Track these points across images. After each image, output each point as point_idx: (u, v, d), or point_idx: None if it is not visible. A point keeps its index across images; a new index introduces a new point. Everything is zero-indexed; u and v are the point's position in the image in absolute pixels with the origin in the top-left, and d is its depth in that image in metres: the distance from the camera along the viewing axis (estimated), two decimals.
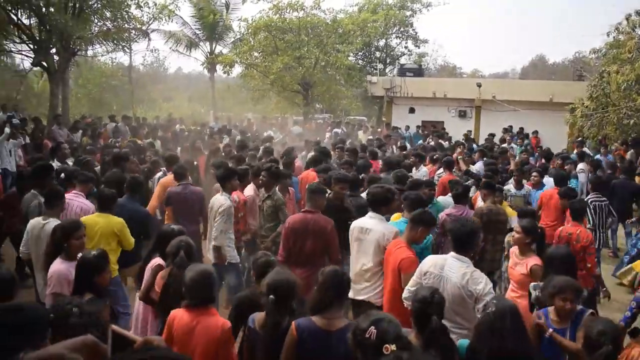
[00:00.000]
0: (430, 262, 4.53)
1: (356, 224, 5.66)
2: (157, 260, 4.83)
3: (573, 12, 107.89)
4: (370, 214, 5.65)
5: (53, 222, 5.46)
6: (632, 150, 15.52)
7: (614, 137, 17.61)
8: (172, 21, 25.56)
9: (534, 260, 5.17)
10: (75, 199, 6.44)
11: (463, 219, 5.35)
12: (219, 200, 6.72)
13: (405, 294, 4.53)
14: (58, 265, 4.65)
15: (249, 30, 23.86)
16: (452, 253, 4.51)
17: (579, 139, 17.28)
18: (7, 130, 11.20)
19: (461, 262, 4.40)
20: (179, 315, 3.74)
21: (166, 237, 4.79)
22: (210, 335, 3.61)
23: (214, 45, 30.48)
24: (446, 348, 3.61)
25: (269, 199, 7.28)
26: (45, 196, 5.98)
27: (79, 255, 4.48)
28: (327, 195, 6.33)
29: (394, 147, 15.30)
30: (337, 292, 3.68)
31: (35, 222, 5.77)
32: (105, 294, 4.34)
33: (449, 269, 4.37)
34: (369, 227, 5.49)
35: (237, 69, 26.25)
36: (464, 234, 4.50)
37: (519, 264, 5.31)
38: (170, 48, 29.51)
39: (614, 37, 18.12)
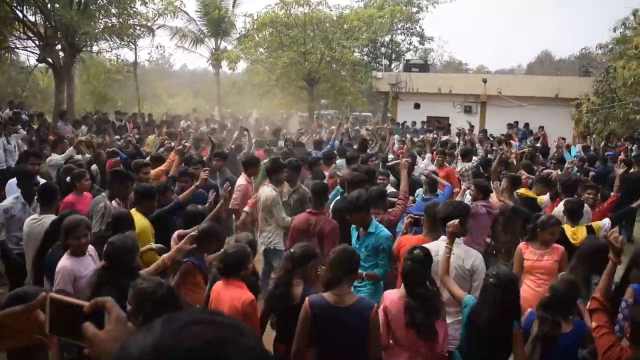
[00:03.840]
0: (431, 249, 4.58)
1: None
2: None
3: (579, 8, 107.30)
4: None
5: (48, 219, 5.27)
6: (635, 145, 15.43)
7: (619, 132, 17.56)
8: (177, 17, 25.76)
9: (560, 247, 5.42)
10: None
11: (449, 202, 5.48)
12: (266, 191, 7.01)
13: None
14: (64, 262, 4.47)
15: (255, 26, 23.90)
16: (442, 236, 4.70)
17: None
18: None
19: (454, 244, 4.50)
20: (218, 284, 4.20)
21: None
22: (233, 305, 3.92)
23: (219, 42, 30.52)
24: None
25: (295, 193, 7.42)
26: (39, 193, 5.87)
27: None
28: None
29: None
30: (347, 269, 3.88)
31: (29, 220, 5.62)
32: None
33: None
34: None
35: (242, 65, 26.28)
36: (451, 215, 4.62)
37: (546, 253, 5.40)
38: (175, 44, 29.60)
39: (620, 32, 18.06)
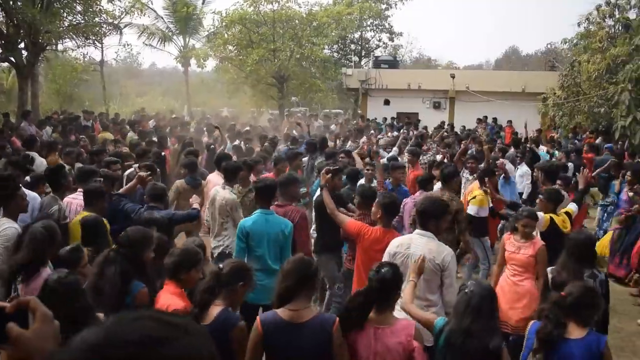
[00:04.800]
0: (397, 242, 4.65)
1: None
2: None
3: (546, 4, 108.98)
4: None
5: (6, 225, 4.72)
6: (600, 137, 15.76)
7: (585, 125, 17.89)
8: (144, 15, 25.29)
9: (539, 242, 5.46)
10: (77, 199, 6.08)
11: (427, 197, 5.45)
12: (224, 194, 6.67)
13: None
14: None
15: (223, 24, 23.71)
16: (416, 230, 4.66)
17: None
18: None
19: (426, 238, 4.53)
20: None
21: None
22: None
23: (187, 39, 30.20)
24: None
25: (251, 192, 7.14)
26: None
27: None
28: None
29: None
30: (303, 281, 3.43)
31: None
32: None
33: (415, 246, 4.50)
34: None
35: (212, 63, 26.06)
36: (427, 210, 4.61)
37: (523, 247, 5.48)
38: (143, 42, 29.18)
39: (584, 27, 18.36)
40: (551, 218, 5.99)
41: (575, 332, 3.56)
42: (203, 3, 29.50)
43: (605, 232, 9.51)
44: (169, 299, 3.67)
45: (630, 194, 8.65)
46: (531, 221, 5.56)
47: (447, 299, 4.35)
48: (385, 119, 23.38)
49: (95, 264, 3.95)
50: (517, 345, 4.34)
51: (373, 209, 5.24)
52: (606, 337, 3.70)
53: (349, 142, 13.09)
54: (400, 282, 3.62)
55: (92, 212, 5.41)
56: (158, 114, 22.56)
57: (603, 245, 8.85)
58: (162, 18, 29.17)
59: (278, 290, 3.46)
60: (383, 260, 4.55)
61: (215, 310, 3.44)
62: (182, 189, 7.81)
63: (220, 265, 3.61)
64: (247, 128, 16.77)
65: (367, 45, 34.64)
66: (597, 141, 15.72)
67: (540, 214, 6.15)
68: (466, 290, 3.54)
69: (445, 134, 16.02)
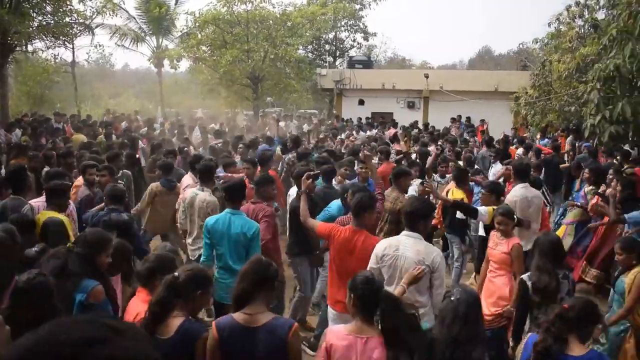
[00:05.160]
0: (384, 244, 4.59)
1: None
2: None
3: (517, 4, 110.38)
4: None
5: None
6: (571, 136, 16.00)
7: (556, 124, 18.15)
8: (116, 15, 25.02)
9: (515, 240, 5.49)
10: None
11: (415, 198, 5.47)
12: (203, 196, 6.68)
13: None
14: None
15: (197, 24, 23.56)
16: (404, 232, 4.61)
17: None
18: None
19: (414, 239, 4.50)
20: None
21: None
22: (130, 320, 3.53)
23: (160, 40, 29.92)
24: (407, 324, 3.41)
25: (217, 192, 7.26)
26: None
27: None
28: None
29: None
30: (260, 283, 3.36)
31: None
32: None
33: (404, 248, 4.45)
34: None
35: (185, 64, 25.85)
36: (414, 212, 4.59)
37: (500, 244, 5.55)
38: (115, 43, 28.83)
39: (555, 27, 18.63)
40: (494, 210, 6.02)
41: (576, 349, 3.33)
42: (176, 3, 29.28)
43: (559, 226, 9.69)
44: (140, 306, 3.52)
45: (587, 188, 8.82)
46: (505, 219, 5.61)
47: (436, 300, 4.30)
48: (360, 118, 23.46)
49: (42, 260, 3.90)
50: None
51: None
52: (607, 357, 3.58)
53: (328, 142, 13.16)
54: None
55: (54, 211, 5.46)
56: (129, 115, 22.35)
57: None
58: (134, 18, 28.89)
59: (235, 293, 3.40)
60: (370, 262, 4.55)
61: (176, 322, 3.28)
62: (158, 191, 7.77)
63: (176, 274, 3.38)
64: (218, 128, 16.76)
65: (341, 46, 34.72)
66: (568, 139, 15.99)
67: (483, 208, 6.27)
68: (452, 298, 3.44)
69: (416, 131, 16.26)
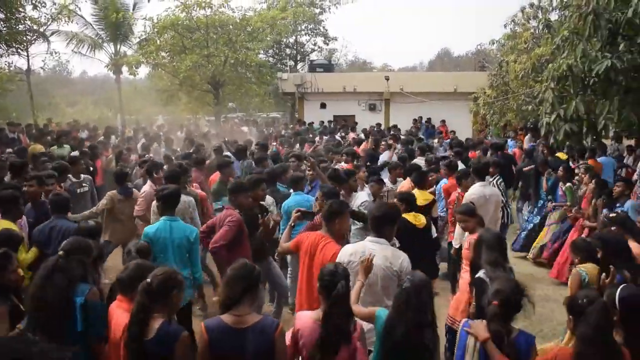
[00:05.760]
0: (350, 250, 4.58)
1: None
2: None
3: (475, 7, 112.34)
4: None
5: None
6: (529, 135, 16.36)
7: (514, 123, 18.52)
8: (72, 22, 24.55)
9: (474, 236, 5.46)
10: None
11: (378, 203, 5.51)
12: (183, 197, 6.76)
13: None
14: None
15: (155, 30, 23.27)
16: (368, 238, 4.61)
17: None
18: None
19: (380, 245, 4.51)
20: (114, 303, 3.92)
21: None
22: (116, 331, 3.70)
23: (118, 46, 29.41)
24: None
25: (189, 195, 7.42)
26: None
27: None
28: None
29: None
30: (246, 286, 3.52)
31: None
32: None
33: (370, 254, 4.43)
34: None
35: (144, 70, 25.52)
36: (379, 217, 4.61)
37: (466, 241, 5.66)
38: (72, 50, 28.24)
39: (510, 28, 18.98)
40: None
41: (512, 332, 3.55)
42: (134, 9, 28.83)
43: (535, 225, 9.94)
44: (124, 317, 3.61)
45: (565, 186, 9.13)
46: (463, 216, 5.73)
47: None
48: (322, 122, 23.53)
49: (42, 270, 3.91)
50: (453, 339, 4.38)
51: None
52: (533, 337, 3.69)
53: (297, 146, 13.20)
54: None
55: (7, 220, 5.55)
56: (86, 124, 21.95)
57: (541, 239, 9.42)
58: (91, 25, 28.32)
59: (222, 297, 3.55)
60: None
61: (156, 323, 3.45)
62: (117, 199, 7.85)
63: (148, 280, 3.50)
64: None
65: (302, 50, 34.77)
66: (526, 138, 16.35)
67: None
68: (404, 286, 3.68)
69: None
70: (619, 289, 3.61)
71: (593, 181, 8.29)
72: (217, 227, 5.90)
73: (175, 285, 3.58)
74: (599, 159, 11.13)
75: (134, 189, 8.19)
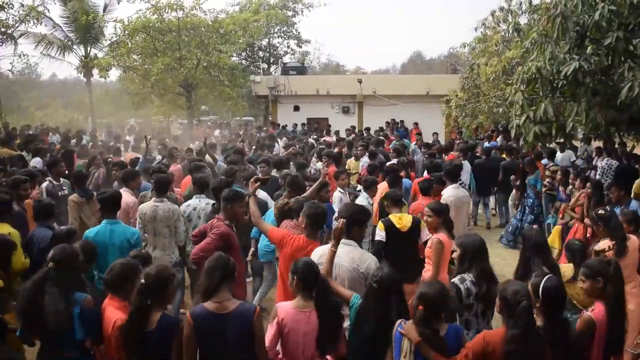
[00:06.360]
0: (319, 253, 4.61)
1: None
2: None
3: (447, 10, 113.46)
4: None
5: None
6: (501, 136, 16.54)
7: (486, 125, 18.73)
8: (41, 24, 24.16)
9: (437, 236, 5.57)
10: None
11: (348, 205, 5.54)
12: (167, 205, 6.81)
13: None
14: None
15: (126, 32, 23.00)
16: (344, 240, 4.55)
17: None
18: None
19: (348, 247, 4.55)
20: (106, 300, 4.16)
21: None
22: (107, 328, 3.98)
23: (89, 49, 29.00)
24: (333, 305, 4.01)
25: (170, 200, 7.31)
26: None
27: None
28: None
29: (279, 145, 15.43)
30: (223, 275, 3.82)
31: None
32: None
33: (338, 256, 4.43)
34: None
35: (115, 73, 25.18)
36: (353, 216, 4.66)
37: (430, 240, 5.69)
38: (41, 52, 27.77)
39: (481, 32, 19.22)
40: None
41: (442, 329, 3.69)
42: (104, 11, 28.45)
43: (530, 222, 10.12)
44: (115, 313, 3.94)
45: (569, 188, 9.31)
46: (430, 211, 5.71)
47: None
48: (296, 124, 23.52)
49: (33, 282, 4.05)
50: None
51: (300, 218, 5.21)
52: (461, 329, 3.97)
53: (265, 151, 13.11)
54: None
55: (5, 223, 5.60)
56: (56, 127, 21.63)
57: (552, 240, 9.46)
58: (60, 27, 27.90)
59: (203, 286, 3.84)
60: None
61: (156, 316, 3.78)
62: (80, 203, 7.60)
63: (142, 281, 3.80)
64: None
65: (275, 52, 34.72)
66: (498, 140, 16.53)
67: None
68: (372, 282, 3.95)
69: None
70: (543, 280, 3.75)
71: (588, 184, 8.32)
72: (208, 232, 5.67)
73: (169, 280, 3.89)
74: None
75: (93, 192, 7.89)
